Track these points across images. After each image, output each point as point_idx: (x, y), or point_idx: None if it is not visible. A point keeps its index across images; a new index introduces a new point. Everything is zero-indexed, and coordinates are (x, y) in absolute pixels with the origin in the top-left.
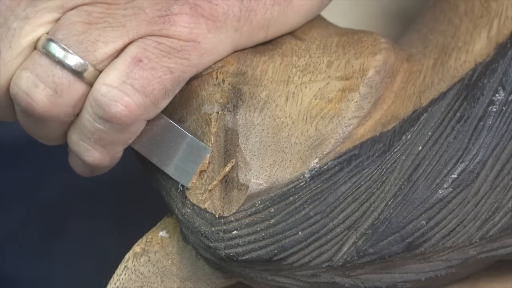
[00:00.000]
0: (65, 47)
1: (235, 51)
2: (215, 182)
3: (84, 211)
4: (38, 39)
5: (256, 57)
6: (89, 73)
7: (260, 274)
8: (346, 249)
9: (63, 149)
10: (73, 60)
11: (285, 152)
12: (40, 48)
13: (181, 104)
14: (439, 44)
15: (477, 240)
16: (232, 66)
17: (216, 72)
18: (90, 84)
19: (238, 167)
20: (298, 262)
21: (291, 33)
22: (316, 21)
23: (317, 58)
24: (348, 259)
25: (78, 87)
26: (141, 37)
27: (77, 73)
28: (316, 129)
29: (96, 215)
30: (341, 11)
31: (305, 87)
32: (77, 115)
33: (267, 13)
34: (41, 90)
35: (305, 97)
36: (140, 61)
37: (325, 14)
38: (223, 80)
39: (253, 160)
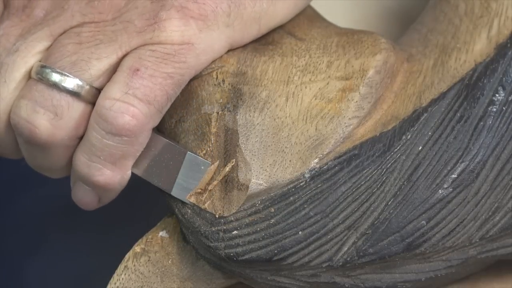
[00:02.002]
0: (58, 70)
1: (233, 49)
2: (215, 182)
3: (83, 210)
4: (31, 68)
5: (256, 57)
6: (86, 91)
7: (260, 274)
8: (346, 249)
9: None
10: (68, 81)
11: (285, 152)
12: (34, 75)
13: (181, 104)
14: (439, 44)
15: (477, 240)
16: (232, 66)
17: (216, 72)
18: (90, 102)
19: (238, 167)
20: (298, 262)
21: (291, 33)
22: (316, 21)
23: (317, 58)
24: (348, 259)
25: (78, 107)
26: (134, 49)
27: (75, 93)
28: (316, 129)
29: (96, 214)
30: (341, 11)
31: (305, 87)
32: (80, 138)
33: (256, 6)
34: (41, 115)
35: (305, 97)
36: (138, 70)
37: (325, 14)
38: (223, 80)
39: (253, 160)
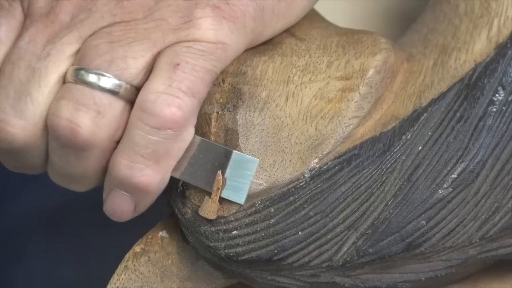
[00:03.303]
0: (95, 70)
1: None
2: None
3: (85, 210)
4: (66, 72)
5: (256, 57)
6: (125, 90)
7: (260, 274)
8: (346, 249)
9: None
10: (107, 80)
11: (285, 152)
12: (70, 79)
13: None
14: (439, 44)
15: (477, 240)
16: (232, 66)
17: None
18: (129, 101)
19: None
20: (298, 262)
21: (291, 33)
22: (316, 21)
23: (317, 58)
24: (348, 259)
25: (118, 106)
26: (169, 46)
27: (115, 92)
28: (316, 129)
29: (96, 214)
30: (341, 11)
31: (305, 87)
32: (117, 142)
33: (275, 9)
34: (83, 113)
35: (305, 97)
36: (178, 64)
37: (325, 14)
38: (223, 80)
39: None
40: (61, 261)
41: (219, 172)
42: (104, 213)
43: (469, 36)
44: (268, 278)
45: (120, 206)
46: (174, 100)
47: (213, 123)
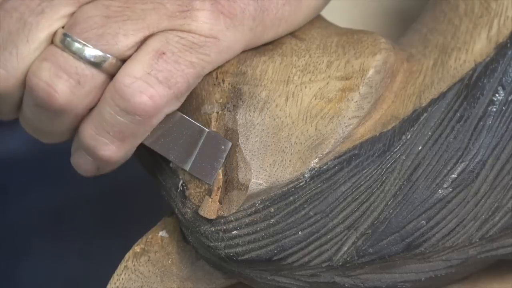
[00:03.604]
0: (84, 42)
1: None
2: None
3: (84, 210)
4: (54, 33)
5: (256, 57)
6: (109, 64)
7: (260, 274)
8: (346, 249)
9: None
10: (93, 53)
11: (285, 152)
12: (58, 43)
13: (181, 104)
14: (439, 44)
15: (477, 240)
16: (232, 66)
17: (216, 72)
18: (110, 74)
19: (238, 167)
20: (298, 262)
21: (291, 33)
22: (316, 21)
23: (317, 58)
24: (348, 259)
25: (99, 78)
26: (162, 31)
27: (98, 65)
28: (316, 129)
29: (96, 214)
30: (341, 11)
31: (305, 87)
32: (90, 109)
33: (278, 13)
34: (64, 80)
35: (305, 97)
36: (164, 53)
37: (325, 14)
38: (223, 80)
39: (253, 160)
40: (60, 261)
41: (220, 171)
42: (104, 213)
43: (469, 36)
44: (268, 278)
45: (83, 165)
46: (147, 88)
47: (213, 123)
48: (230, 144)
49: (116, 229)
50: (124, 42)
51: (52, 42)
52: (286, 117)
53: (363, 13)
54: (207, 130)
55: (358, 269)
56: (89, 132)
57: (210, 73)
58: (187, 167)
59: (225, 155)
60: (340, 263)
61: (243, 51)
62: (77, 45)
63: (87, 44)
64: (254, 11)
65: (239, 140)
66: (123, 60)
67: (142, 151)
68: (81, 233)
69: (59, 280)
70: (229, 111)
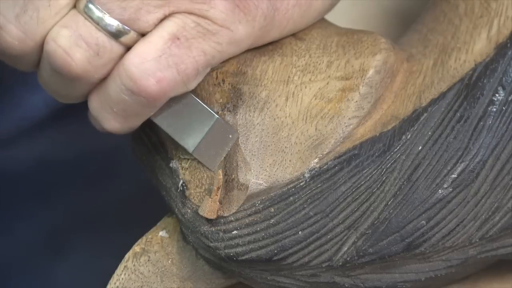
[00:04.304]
0: (107, 12)
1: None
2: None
3: (84, 210)
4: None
5: (256, 57)
6: (129, 38)
7: (260, 274)
8: (346, 249)
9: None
10: (115, 25)
11: (285, 152)
12: (81, 11)
13: None
14: (439, 44)
15: (477, 240)
16: (232, 66)
17: (216, 72)
18: (128, 48)
19: (238, 167)
20: (298, 262)
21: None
22: (316, 21)
23: (317, 58)
24: (348, 259)
25: (117, 50)
26: (179, 12)
27: (118, 37)
28: (316, 129)
29: (96, 214)
30: (341, 11)
31: (305, 87)
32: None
33: (288, 13)
34: (82, 50)
35: (305, 97)
36: (178, 38)
37: None
38: (223, 80)
39: (253, 160)
40: (60, 261)
41: (220, 171)
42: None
43: (469, 36)
44: (268, 278)
45: (95, 124)
46: (155, 72)
47: None
48: (237, 134)
49: (116, 229)
50: (146, 17)
51: (74, 6)
52: (286, 117)
53: (363, 13)
54: (217, 116)
55: (358, 269)
56: (94, 104)
57: (210, 73)
58: (191, 149)
59: (231, 145)
60: (340, 263)
61: (244, 51)
62: (99, 13)
63: (112, 16)
64: (267, 9)
65: (239, 140)
66: (142, 35)
67: (142, 150)
68: (81, 233)
69: (59, 281)
70: (229, 111)
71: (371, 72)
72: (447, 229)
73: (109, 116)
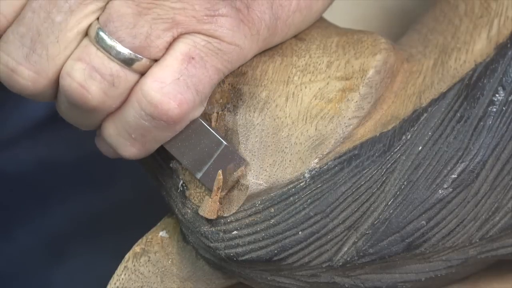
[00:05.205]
0: (119, 42)
1: None
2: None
3: (84, 210)
4: (86, 30)
5: (256, 57)
6: (141, 64)
7: (260, 274)
8: (346, 249)
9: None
10: (127, 53)
11: (285, 152)
12: (93, 39)
13: None
14: (439, 44)
15: (477, 240)
16: None
17: None
18: (142, 74)
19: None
20: (298, 262)
21: None
22: (316, 21)
23: (317, 58)
24: (348, 259)
25: (132, 78)
26: (188, 33)
27: (130, 65)
28: (316, 129)
29: (96, 214)
30: (341, 11)
31: (305, 87)
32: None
33: (289, 20)
34: (97, 82)
35: (305, 97)
36: (193, 58)
37: (325, 14)
38: (223, 80)
39: (253, 160)
40: (60, 261)
41: (220, 171)
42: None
43: (469, 36)
44: (268, 278)
45: (106, 152)
46: (176, 95)
47: (213, 123)
48: (246, 162)
49: (116, 229)
50: (156, 43)
51: (86, 35)
52: (286, 117)
53: (364, 13)
54: (225, 143)
55: (358, 269)
56: (111, 131)
57: None
58: (199, 175)
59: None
60: (340, 263)
61: None
62: (110, 42)
63: (123, 45)
64: (269, 20)
65: (239, 140)
66: (155, 60)
67: None
68: (81, 233)
69: (59, 281)
70: (229, 111)
71: (371, 72)
72: (447, 229)
73: (127, 142)
